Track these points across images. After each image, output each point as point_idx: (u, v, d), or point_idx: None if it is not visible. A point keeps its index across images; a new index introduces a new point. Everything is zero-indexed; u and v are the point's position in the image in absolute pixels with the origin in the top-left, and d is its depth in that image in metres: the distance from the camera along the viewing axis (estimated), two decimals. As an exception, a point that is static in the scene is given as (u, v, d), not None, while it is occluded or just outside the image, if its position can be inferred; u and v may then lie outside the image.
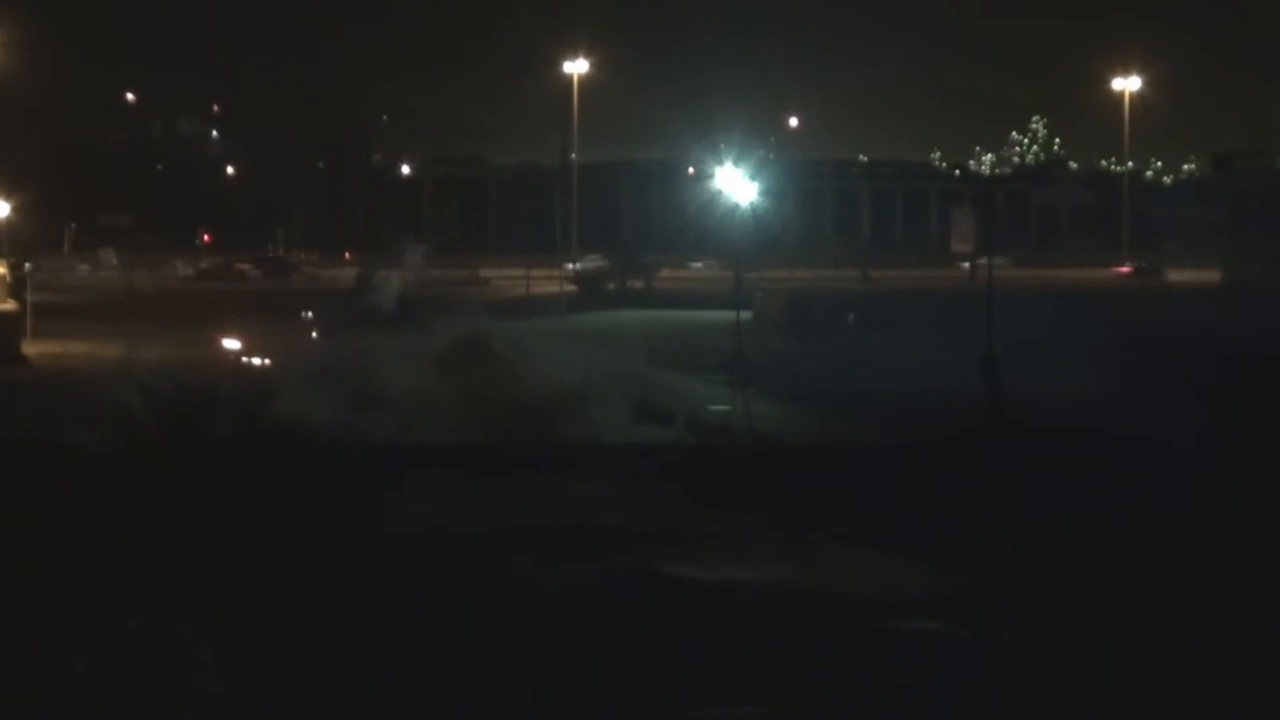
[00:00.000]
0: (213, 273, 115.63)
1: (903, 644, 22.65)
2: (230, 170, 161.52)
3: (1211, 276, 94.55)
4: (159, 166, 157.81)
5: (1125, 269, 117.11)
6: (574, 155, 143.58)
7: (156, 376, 50.76)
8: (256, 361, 60.01)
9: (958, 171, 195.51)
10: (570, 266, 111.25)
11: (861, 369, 61.13)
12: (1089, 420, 46.11)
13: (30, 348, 68.71)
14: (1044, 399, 49.89)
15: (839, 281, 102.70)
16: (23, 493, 33.44)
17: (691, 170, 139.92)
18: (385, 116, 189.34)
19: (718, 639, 22.80)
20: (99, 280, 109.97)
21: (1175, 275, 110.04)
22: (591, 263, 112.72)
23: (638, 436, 49.83)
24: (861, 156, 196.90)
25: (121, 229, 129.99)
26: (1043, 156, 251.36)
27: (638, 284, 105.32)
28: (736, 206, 75.69)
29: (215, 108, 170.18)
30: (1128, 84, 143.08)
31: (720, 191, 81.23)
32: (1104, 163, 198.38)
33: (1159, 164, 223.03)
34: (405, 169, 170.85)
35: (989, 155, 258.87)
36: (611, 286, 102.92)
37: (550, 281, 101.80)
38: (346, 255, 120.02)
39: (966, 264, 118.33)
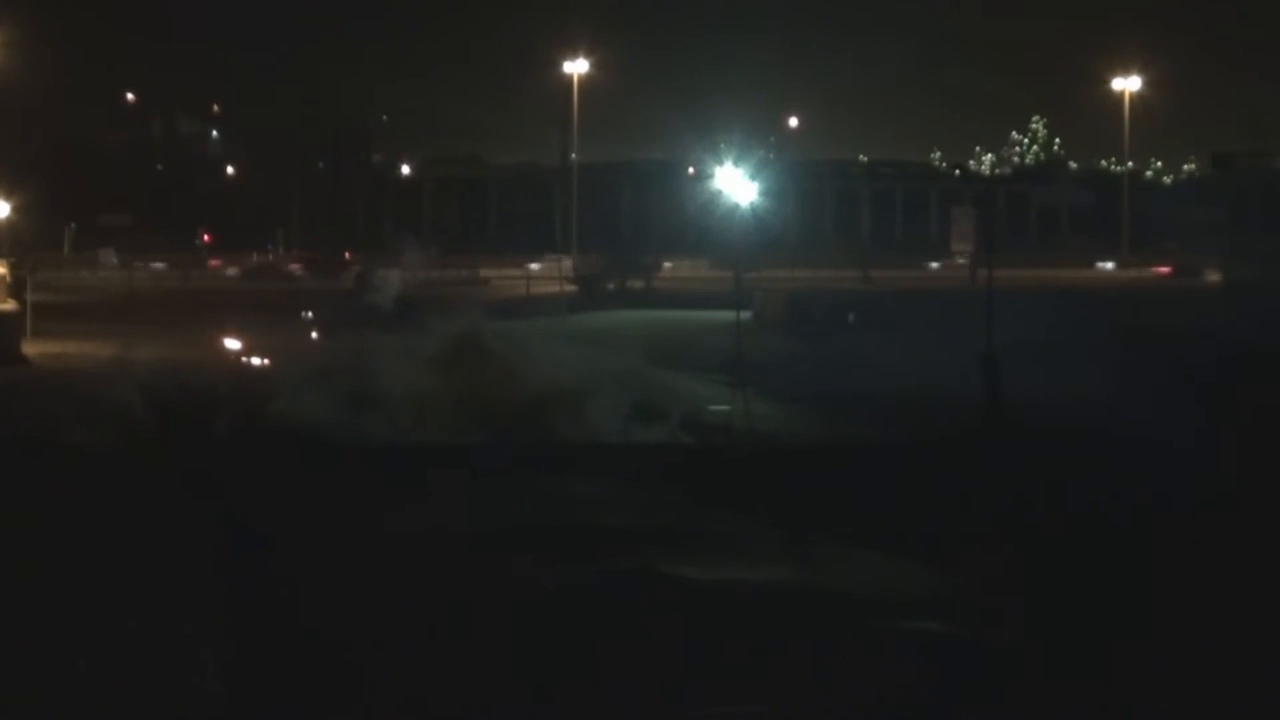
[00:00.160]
0: (259, 273, 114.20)
1: (903, 644, 22.65)
2: (230, 170, 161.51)
3: (1211, 276, 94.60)
4: (159, 166, 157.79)
5: (1165, 269, 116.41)
6: (574, 155, 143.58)
7: (154, 376, 50.76)
8: (256, 361, 60.06)
9: (958, 171, 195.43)
10: (533, 267, 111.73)
11: (861, 369, 61.13)
12: (1089, 420, 46.11)
13: (30, 348, 68.71)
14: (1044, 399, 49.91)
15: (839, 281, 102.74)
16: (23, 493, 33.44)
17: (691, 170, 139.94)
18: (385, 116, 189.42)
19: (718, 639, 22.79)
20: (99, 280, 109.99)
21: (1213, 276, 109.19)
22: (554, 260, 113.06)
23: (637, 436, 49.87)
24: (861, 156, 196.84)
25: (121, 229, 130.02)
26: (1043, 156, 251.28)
27: (638, 284, 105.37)
28: (736, 206, 75.71)
29: (215, 108, 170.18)
30: (1128, 84, 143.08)
31: (720, 191, 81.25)
32: (1104, 163, 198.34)
33: (1159, 164, 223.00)
34: (405, 169, 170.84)
35: (989, 155, 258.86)
36: (611, 286, 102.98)
37: (550, 281, 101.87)
38: (346, 255, 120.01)
39: (935, 264, 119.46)
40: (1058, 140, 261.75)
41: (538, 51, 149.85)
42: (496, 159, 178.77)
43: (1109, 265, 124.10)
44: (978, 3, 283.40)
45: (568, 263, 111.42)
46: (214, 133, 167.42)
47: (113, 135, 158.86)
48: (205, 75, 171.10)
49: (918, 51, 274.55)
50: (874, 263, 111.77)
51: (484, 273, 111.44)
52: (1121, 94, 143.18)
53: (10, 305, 72.37)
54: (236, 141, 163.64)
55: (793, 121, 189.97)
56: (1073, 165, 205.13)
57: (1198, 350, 55.37)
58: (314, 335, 70.82)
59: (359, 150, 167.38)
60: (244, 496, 32.60)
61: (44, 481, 35.19)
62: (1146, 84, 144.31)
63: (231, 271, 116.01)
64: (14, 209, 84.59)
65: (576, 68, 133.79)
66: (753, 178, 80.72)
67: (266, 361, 60.02)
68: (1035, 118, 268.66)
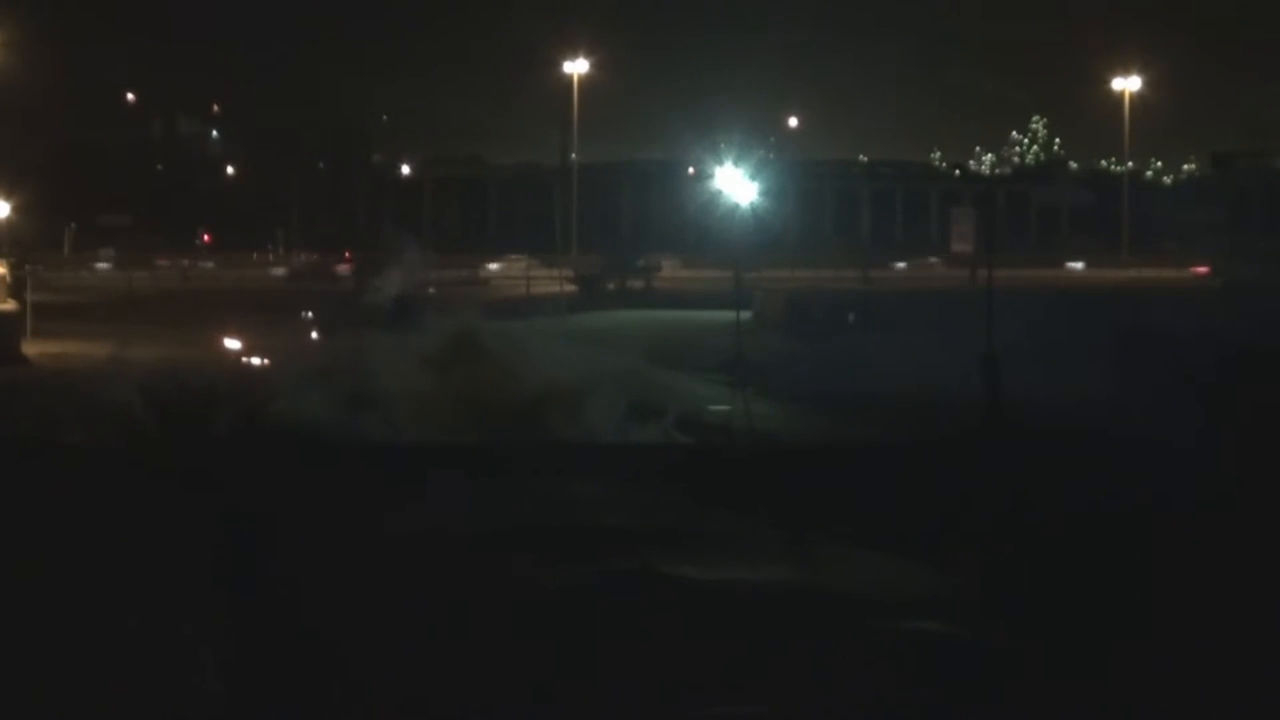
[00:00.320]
0: (306, 273, 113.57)
1: (903, 644, 22.64)
2: (230, 170, 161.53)
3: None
4: (159, 166, 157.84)
5: (1202, 269, 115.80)
6: (574, 155, 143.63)
7: (152, 375, 50.79)
8: (256, 361, 60.10)
9: (958, 171, 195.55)
10: (492, 267, 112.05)
11: (861, 369, 61.15)
12: (1089, 420, 46.11)
13: (30, 348, 68.77)
14: (1044, 399, 49.92)
15: (839, 281, 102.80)
16: (23, 493, 33.44)
17: (691, 170, 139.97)
18: (385, 116, 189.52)
19: (718, 639, 22.79)
20: (99, 280, 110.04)
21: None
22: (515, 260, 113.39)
23: (637, 436, 49.90)
24: (861, 156, 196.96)
25: (121, 229, 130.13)
26: (1043, 156, 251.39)
27: (637, 284, 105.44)
28: (736, 206, 75.73)
29: (215, 108, 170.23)
30: (1128, 84, 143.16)
31: (720, 191, 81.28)
32: (1104, 163, 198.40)
33: (1159, 164, 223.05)
34: (405, 169, 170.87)
35: (989, 155, 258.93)
36: (611, 286, 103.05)
37: (550, 281, 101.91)
38: (346, 255, 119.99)
39: (901, 264, 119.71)
40: (1058, 140, 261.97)
41: (538, 51, 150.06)
42: (496, 159, 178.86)
43: (1078, 265, 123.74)
44: (978, 3, 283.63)
45: (524, 263, 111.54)
46: (214, 133, 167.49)
47: (113, 135, 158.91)
48: (205, 75, 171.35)
49: (918, 51, 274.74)
50: (872, 262, 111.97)
51: (484, 272, 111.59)
52: (1121, 94, 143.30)
53: (10, 305, 72.43)
54: (236, 141, 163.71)
55: (793, 121, 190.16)
56: (1073, 165, 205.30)
57: (1197, 350, 55.36)
58: (314, 335, 70.87)
59: (359, 150, 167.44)
60: (244, 496, 32.59)
61: (44, 481, 35.19)
62: (1146, 84, 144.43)
63: (279, 271, 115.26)
64: (14, 209, 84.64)
65: (576, 68, 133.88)
66: (753, 178, 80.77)
67: (266, 361, 60.08)
68: (1035, 118, 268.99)
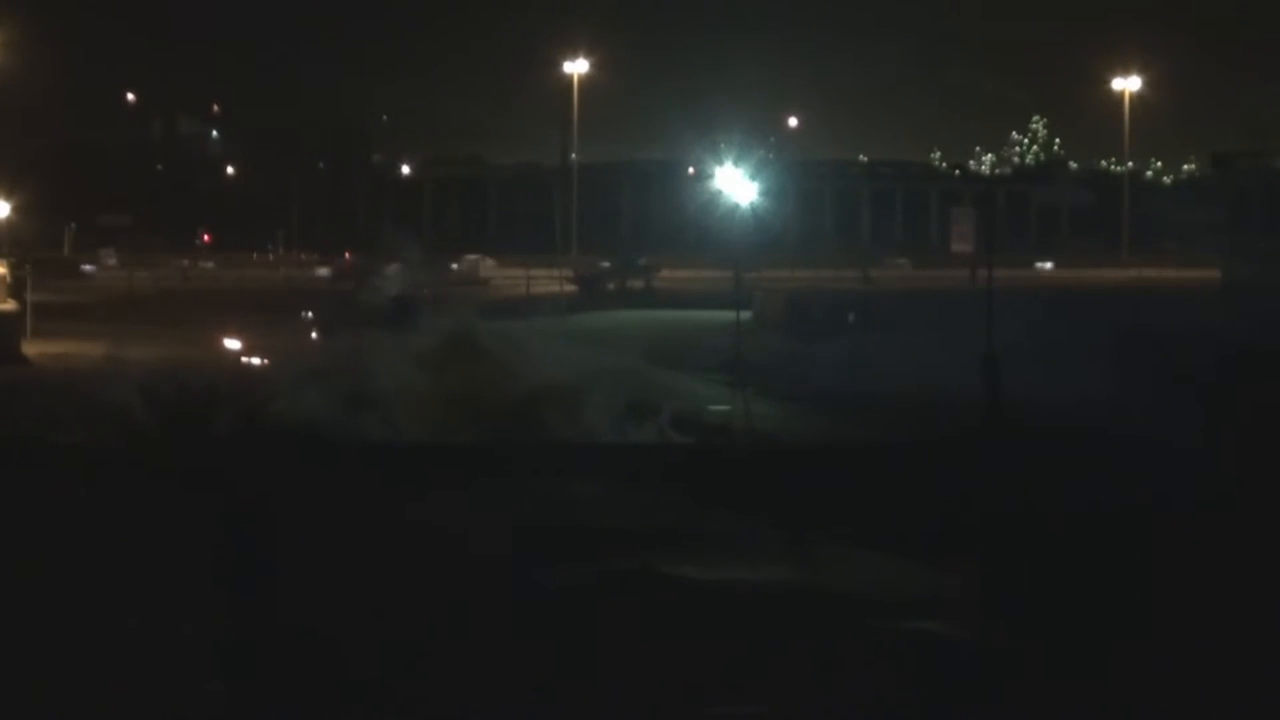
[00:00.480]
0: (353, 273, 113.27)
1: (903, 644, 22.64)
2: (230, 170, 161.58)
3: (1211, 276, 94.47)
4: (159, 166, 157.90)
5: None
6: (574, 155, 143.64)
7: (150, 375, 50.79)
8: (256, 361, 60.13)
9: (958, 171, 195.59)
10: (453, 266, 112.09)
11: (861, 369, 61.13)
12: (1089, 420, 46.12)
13: (30, 348, 68.77)
14: (1044, 399, 49.92)
15: (839, 281, 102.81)
16: (22, 492, 33.45)
17: (691, 170, 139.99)
18: (385, 116, 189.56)
19: (718, 639, 22.80)
20: (100, 280, 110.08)
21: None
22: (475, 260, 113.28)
23: (637, 436, 49.89)
24: (861, 156, 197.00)
25: (121, 229, 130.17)
26: (1043, 156, 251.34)
27: (638, 284, 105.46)
28: (736, 206, 75.75)
29: (215, 108, 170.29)
30: (1128, 84, 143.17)
31: (720, 191, 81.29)
32: (1104, 163, 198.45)
33: (1159, 164, 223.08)
34: (405, 169, 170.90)
35: (989, 155, 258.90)
36: (611, 286, 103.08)
37: (550, 281, 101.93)
38: (346, 255, 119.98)
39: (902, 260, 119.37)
40: (1058, 140, 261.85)
41: (538, 51, 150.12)
42: (496, 159, 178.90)
43: (1047, 265, 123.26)
44: (978, 3, 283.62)
45: (490, 262, 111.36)
46: (214, 133, 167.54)
47: (113, 135, 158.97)
48: (205, 75, 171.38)
49: (918, 51, 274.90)
50: (873, 262, 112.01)
51: (484, 272, 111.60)
52: (1121, 94, 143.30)
53: (10, 305, 72.44)
54: (236, 141, 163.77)
55: (793, 121, 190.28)
56: (1073, 165, 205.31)
57: (1197, 350, 55.35)
58: (313, 335, 70.88)
59: (359, 150, 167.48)
60: (243, 496, 32.58)
61: (44, 482, 35.20)
62: (1146, 84, 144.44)
63: (323, 271, 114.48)
64: (14, 209, 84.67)
65: (576, 68, 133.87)
66: (753, 178, 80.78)
67: (266, 361, 60.10)
68: (1035, 118, 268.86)
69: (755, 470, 40.21)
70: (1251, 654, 21.89)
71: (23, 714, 19.48)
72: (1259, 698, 20.31)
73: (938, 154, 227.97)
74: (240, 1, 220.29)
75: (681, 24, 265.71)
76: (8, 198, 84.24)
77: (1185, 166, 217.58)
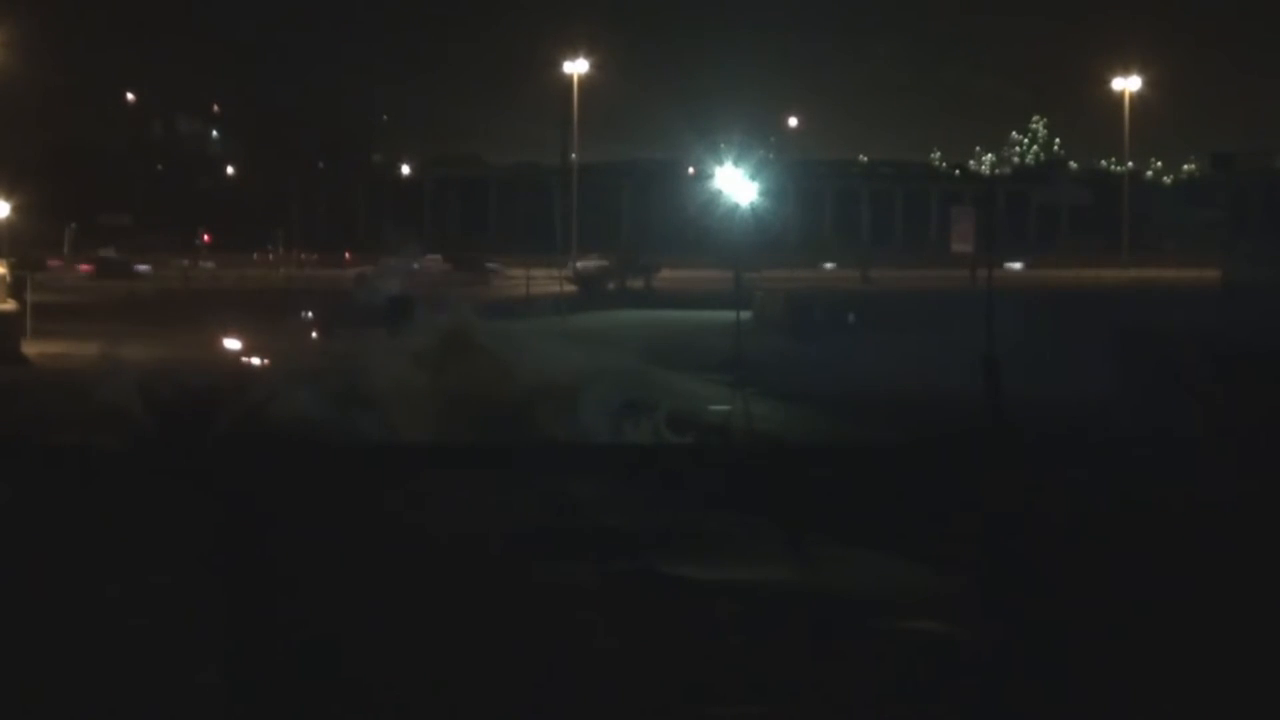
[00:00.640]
0: (391, 273, 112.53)
1: (903, 644, 22.64)
2: (230, 170, 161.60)
3: (1211, 276, 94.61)
4: (159, 166, 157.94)
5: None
6: (574, 155, 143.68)
7: (148, 375, 50.84)
8: (256, 361, 60.17)
9: (958, 171, 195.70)
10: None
11: (861, 369, 61.20)
12: (1090, 420, 46.14)
13: (30, 348, 68.84)
14: (1045, 399, 49.94)
15: (839, 281, 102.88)
16: (22, 493, 33.45)
17: (691, 170, 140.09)
18: (385, 116, 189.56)
19: (717, 639, 22.80)
20: (100, 279, 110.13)
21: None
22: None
23: (637, 436, 49.91)
24: (861, 156, 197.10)
25: (121, 229, 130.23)
26: (1043, 156, 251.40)
27: (637, 284, 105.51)
28: (736, 206, 75.80)
29: (215, 108, 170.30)
30: (1128, 84, 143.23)
31: (720, 191, 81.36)
32: (1104, 163, 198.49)
33: (1159, 164, 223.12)
34: (405, 169, 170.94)
35: (989, 155, 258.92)
36: (611, 286, 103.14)
37: (550, 281, 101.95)
38: (346, 255, 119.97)
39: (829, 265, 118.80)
40: (1058, 140, 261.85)
41: (538, 51, 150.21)
42: (496, 159, 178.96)
43: (1017, 266, 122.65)
44: (978, 2, 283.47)
45: (435, 258, 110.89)
46: (214, 133, 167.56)
47: (113, 135, 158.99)
48: (205, 75, 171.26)
49: (917, 51, 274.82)
50: (893, 262, 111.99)
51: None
52: (1121, 94, 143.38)
53: (10, 305, 72.49)
54: (236, 141, 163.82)
55: (793, 121, 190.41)
56: (1073, 165, 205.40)
57: (1197, 351, 55.38)
58: (314, 335, 70.92)
59: (359, 150, 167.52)
60: (243, 497, 32.61)
61: (44, 482, 35.20)
62: (1146, 84, 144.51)
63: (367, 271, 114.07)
64: (14, 209, 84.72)
65: (576, 68, 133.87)
66: (753, 178, 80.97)
67: (266, 361, 60.14)
68: (1035, 118, 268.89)
69: (755, 470, 40.19)
70: (1252, 654, 21.90)
71: (23, 714, 19.48)
72: (1260, 698, 20.31)
73: (938, 154, 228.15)
74: (240, 1, 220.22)
75: (681, 24, 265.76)
76: (8, 198, 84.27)
77: (1185, 166, 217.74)
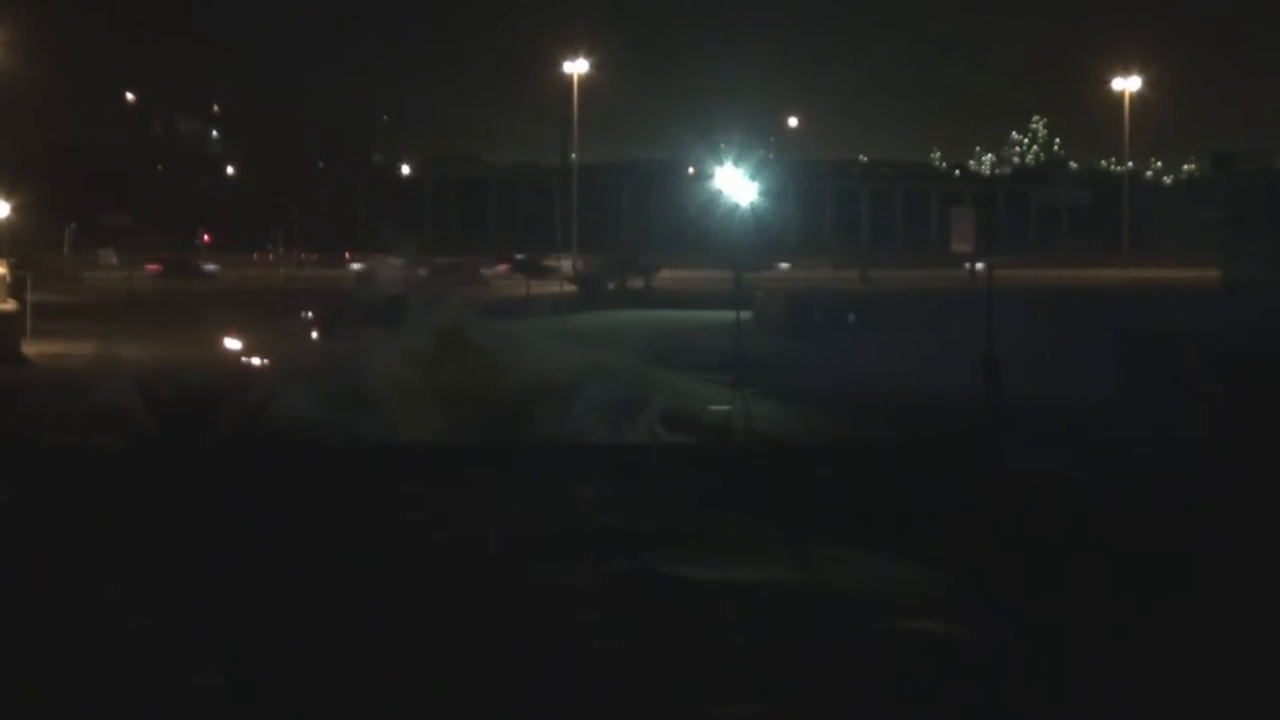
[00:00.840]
0: (447, 273, 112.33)
1: (903, 644, 22.64)
2: (230, 170, 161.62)
3: (1211, 276, 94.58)
4: (159, 166, 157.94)
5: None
6: (574, 155, 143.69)
7: (151, 376, 50.84)
8: (256, 361, 60.19)
9: (958, 171, 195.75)
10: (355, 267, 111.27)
11: (861, 369, 61.17)
12: (1090, 420, 46.11)
13: (30, 348, 68.81)
14: (1045, 399, 49.91)
15: (838, 281, 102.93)
16: (22, 492, 33.45)
17: (691, 170, 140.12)
18: (385, 116, 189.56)
19: (718, 639, 22.80)
20: (100, 280, 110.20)
21: None
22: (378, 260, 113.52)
23: (636, 436, 49.90)
24: (861, 156, 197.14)
25: (121, 229, 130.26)
26: (1043, 156, 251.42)
27: (637, 284, 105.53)
28: (736, 206, 75.83)
29: (215, 108, 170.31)
30: (1128, 84, 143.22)
31: (720, 191, 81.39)
32: (1104, 163, 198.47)
33: (1159, 164, 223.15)
34: (405, 169, 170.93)
35: (989, 155, 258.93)
36: (611, 286, 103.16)
37: (550, 281, 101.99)
38: (346, 255, 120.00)
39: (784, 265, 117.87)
40: (1058, 140, 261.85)
41: (538, 51, 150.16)
42: (496, 159, 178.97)
43: (980, 266, 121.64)
44: (978, 2, 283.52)
45: (395, 261, 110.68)
46: (214, 133, 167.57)
47: (113, 135, 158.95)
48: (205, 75, 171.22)
49: (917, 51, 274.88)
50: (893, 262, 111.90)
51: (484, 271, 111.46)
52: (1121, 94, 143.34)
53: (10, 305, 72.50)
54: (236, 141, 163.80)
55: (793, 121, 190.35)
56: (1073, 165, 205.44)
57: (1197, 350, 55.36)
58: (314, 335, 70.92)
59: (359, 150, 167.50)
60: (242, 497, 32.61)
61: (43, 482, 35.21)
62: (1146, 84, 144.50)
63: (423, 273, 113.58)
64: (14, 209, 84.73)
65: (576, 68, 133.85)
66: (753, 178, 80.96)
67: (266, 361, 60.15)
68: (1035, 118, 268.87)
69: (755, 470, 40.20)
70: (1252, 654, 21.90)
71: (22, 714, 19.48)
72: (1259, 698, 20.31)
73: (938, 154, 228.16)
74: (240, 1, 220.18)
75: (681, 24, 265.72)
76: (8, 198, 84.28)
77: (1185, 166, 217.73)
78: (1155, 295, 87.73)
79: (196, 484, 34.14)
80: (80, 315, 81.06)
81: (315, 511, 31.34)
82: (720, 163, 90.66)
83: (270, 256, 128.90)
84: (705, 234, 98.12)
